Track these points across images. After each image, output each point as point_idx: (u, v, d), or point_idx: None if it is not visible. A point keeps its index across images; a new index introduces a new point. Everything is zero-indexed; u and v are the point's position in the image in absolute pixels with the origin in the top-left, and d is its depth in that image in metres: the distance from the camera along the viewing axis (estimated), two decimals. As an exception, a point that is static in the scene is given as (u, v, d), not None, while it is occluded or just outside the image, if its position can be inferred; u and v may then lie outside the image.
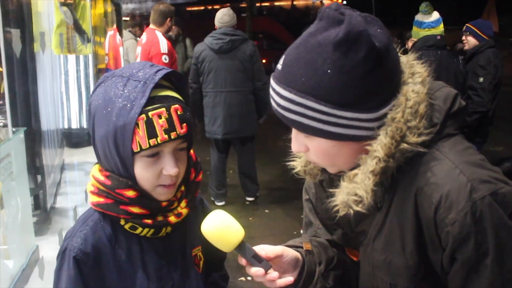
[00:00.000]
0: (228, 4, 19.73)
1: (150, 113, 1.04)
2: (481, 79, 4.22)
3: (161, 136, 1.05)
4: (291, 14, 18.81)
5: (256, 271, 1.07)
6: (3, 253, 2.80)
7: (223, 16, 4.68)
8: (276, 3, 20.85)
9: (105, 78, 1.12)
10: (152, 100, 1.05)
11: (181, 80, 1.16)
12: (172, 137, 1.06)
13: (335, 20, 0.95)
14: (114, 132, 1.05)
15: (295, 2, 17.70)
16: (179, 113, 1.08)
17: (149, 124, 1.04)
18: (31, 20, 3.92)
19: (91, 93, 1.15)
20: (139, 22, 7.73)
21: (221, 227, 1.06)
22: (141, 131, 1.04)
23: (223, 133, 4.71)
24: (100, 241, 1.12)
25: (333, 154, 1.03)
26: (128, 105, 1.04)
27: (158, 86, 1.07)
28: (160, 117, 1.05)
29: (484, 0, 9.34)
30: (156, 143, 1.05)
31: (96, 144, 1.11)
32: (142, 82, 1.06)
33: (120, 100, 1.06)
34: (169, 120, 1.06)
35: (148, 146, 1.05)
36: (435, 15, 4.01)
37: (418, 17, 4.07)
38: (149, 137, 1.05)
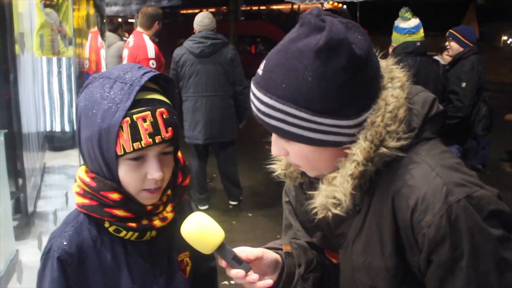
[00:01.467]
0: (224, 8, 19.72)
1: (134, 116, 1.04)
2: (463, 84, 4.28)
3: (145, 139, 1.05)
4: (290, 18, 18.86)
5: (236, 273, 1.07)
6: (-19, 257, 2.75)
7: (202, 19, 4.65)
8: (275, 7, 20.84)
9: (93, 79, 1.11)
10: (137, 103, 1.05)
11: (169, 83, 1.16)
12: (157, 141, 1.06)
13: (316, 26, 0.96)
14: (99, 134, 1.05)
15: (294, 6, 17.72)
16: (164, 116, 1.07)
17: (134, 127, 1.04)
18: (12, 22, 3.87)
19: (78, 94, 1.14)
20: (118, 24, 7.63)
21: (200, 229, 1.06)
22: (125, 134, 1.04)
23: (204, 138, 4.67)
24: (84, 243, 1.11)
25: (313, 158, 1.04)
26: (113, 108, 1.04)
27: (144, 88, 1.07)
28: (144, 120, 1.04)
29: (464, 7, 9.50)
30: (140, 146, 1.05)
31: (82, 146, 1.11)
32: (128, 85, 1.06)
33: (105, 102, 1.05)
34: (154, 123, 1.05)
35: (132, 149, 1.05)
36: (415, 20, 3.96)
37: (398, 22, 4.00)
38: (133, 141, 1.04)
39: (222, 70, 4.61)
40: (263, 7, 21.37)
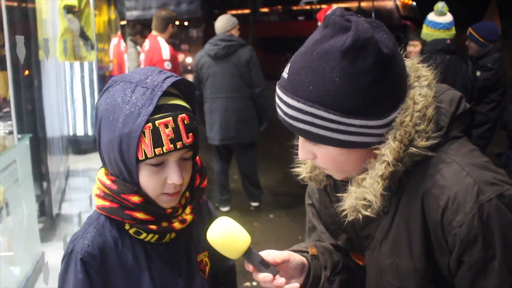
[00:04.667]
0: (267, 9, 19.52)
1: (156, 122, 1.04)
2: (478, 73, 4.21)
3: (167, 145, 1.05)
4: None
5: (264, 277, 1.06)
6: (8, 259, 2.81)
7: (219, 22, 4.71)
8: (324, 6, 20.56)
9: (113, 83, 1.11)
10: (159, 109, 1.05)
11: (189, 88, 1.15)
12: (178, 146, 1.06)
13: (341, 27, 0.95)
14: (120, 138, 1.05)
15: (346, 5, 17.29)
16: (185, 122, 1.07)
17: (155, 133, 1.04)
18: (36, 28, 3.95)
19: (98, 97, 1.14)
20: (140, 30, 7.72)
21: (227, 235, 1.06)
22: (147, 140, 1.04)
23: (220, 139, 4.69)
24: (106, 244, 1.12)
25: (341, 161, 1.03)
26: (135, 112, 1.04)
27: (166, 93, 1.07)
28: (166, 126, 1.05)
29: (485, 2, 9.31)
30: (161, 152, 1.05)
31: (102, 149, 1.11)
32: (150, 89, 1.05)
33: (127, 106, 1.05)
34: (176, 129, 1.05)
35: (153, 155, 1.05)
36: (450, 15, 3.86)
37: (433, 17, 3.88)
38: (155, 146, 1.04)
39: (237, 71, 4.63)
40: (308, 7, 21.10)
